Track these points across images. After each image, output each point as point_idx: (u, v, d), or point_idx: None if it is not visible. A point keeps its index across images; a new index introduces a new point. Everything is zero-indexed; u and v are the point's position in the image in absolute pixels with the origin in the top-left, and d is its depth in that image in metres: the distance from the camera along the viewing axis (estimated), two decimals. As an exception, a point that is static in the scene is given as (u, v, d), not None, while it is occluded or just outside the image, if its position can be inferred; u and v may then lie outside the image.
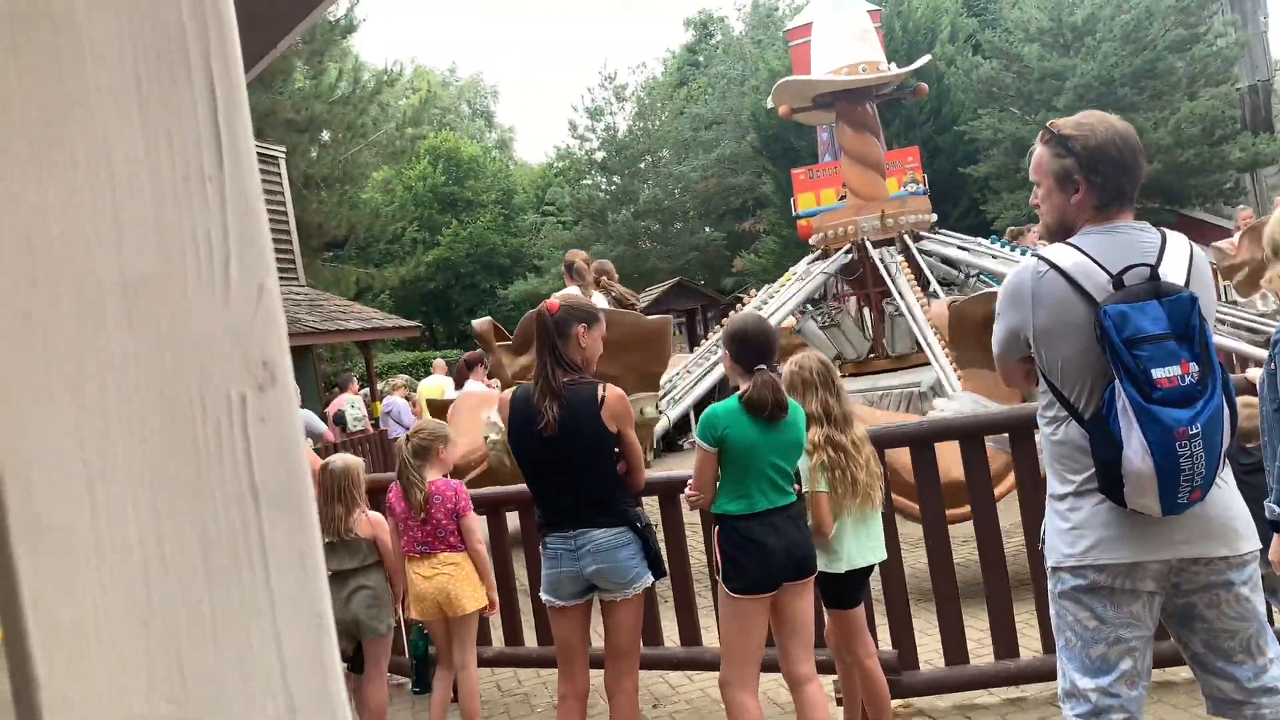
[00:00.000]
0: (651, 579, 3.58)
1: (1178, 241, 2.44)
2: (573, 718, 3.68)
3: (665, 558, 4.89)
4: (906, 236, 10.14)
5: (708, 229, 29.64)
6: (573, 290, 8.20)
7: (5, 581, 0.38)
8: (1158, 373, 2.24)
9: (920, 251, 10.11)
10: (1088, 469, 2.42)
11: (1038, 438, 3.65)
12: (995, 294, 2.76)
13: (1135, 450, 2.25)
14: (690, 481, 3.54)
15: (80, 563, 0.40)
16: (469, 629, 4.42)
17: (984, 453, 4.47)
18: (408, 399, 12.56)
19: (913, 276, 9.66)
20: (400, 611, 4.66)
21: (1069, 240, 2.45)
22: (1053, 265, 2.40)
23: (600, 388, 3.53)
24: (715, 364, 9.26)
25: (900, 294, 9.24)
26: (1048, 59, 20.85)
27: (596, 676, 3.98)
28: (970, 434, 4.42)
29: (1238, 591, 2.40)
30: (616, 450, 3.58)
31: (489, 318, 7.87)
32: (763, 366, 3.41)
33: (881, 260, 9.80)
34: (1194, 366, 2.26)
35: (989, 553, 4.30)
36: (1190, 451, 2.23)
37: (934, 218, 10.76)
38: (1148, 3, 20.38)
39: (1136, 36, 20.07)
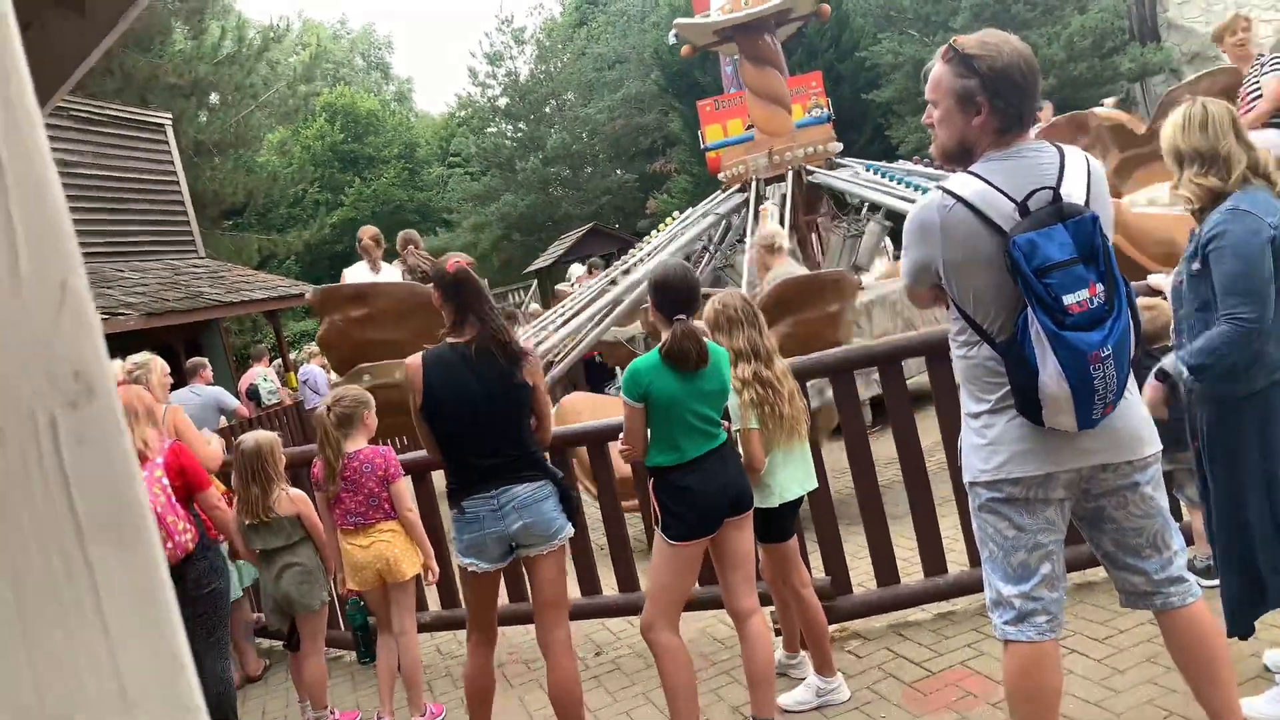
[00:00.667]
0: (571, 529, 3.58)
1: (1075, 158, 2.46)
2: (486, 658, 3.70)
3: (600, 508, 4.92)
4: (800, 170, 10.17)
5: (619, 171, 29.36)
6: (362, 265, 8.31)
7: None
8: (1068, 298, 2.28)
9: (811, 185, 10.15)
10: (999, 388, 2.47)
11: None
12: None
13: (1051, 375, 2.30)
14: (621, 436, 3.52)
15: None
16: (409, 595, 4.36)
17: (902, 375, 4.52)
18: (325, 365, 12.26)
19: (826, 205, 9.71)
20: (334, 586, 4.57)
21: (970, 169, 2.45)
22: (958, 198, 2.40)
23: (519, 342, 3.52)
24: (593, 316, 9.14)
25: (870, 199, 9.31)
26: (942, -21, 20.95)
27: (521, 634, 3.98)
28: (889, 359, 4.47)
29: (1143, 491, 2.51)
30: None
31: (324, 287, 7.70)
32: (682, 316, 3.39)
33: (777, 194, 9.84)
34: (1100, 287, 2.31)
35: (911, 473, 4.37)
36: (1103, 373, 2.30)
37: (838, 146, 10.79)
38: (1034, -82, 20.57)
39: (1026, -48, 20.28)
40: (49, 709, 0.36)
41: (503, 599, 4.51)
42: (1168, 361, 3.06)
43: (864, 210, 10.08)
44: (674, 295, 3.44)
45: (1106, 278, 2.32)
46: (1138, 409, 2.52)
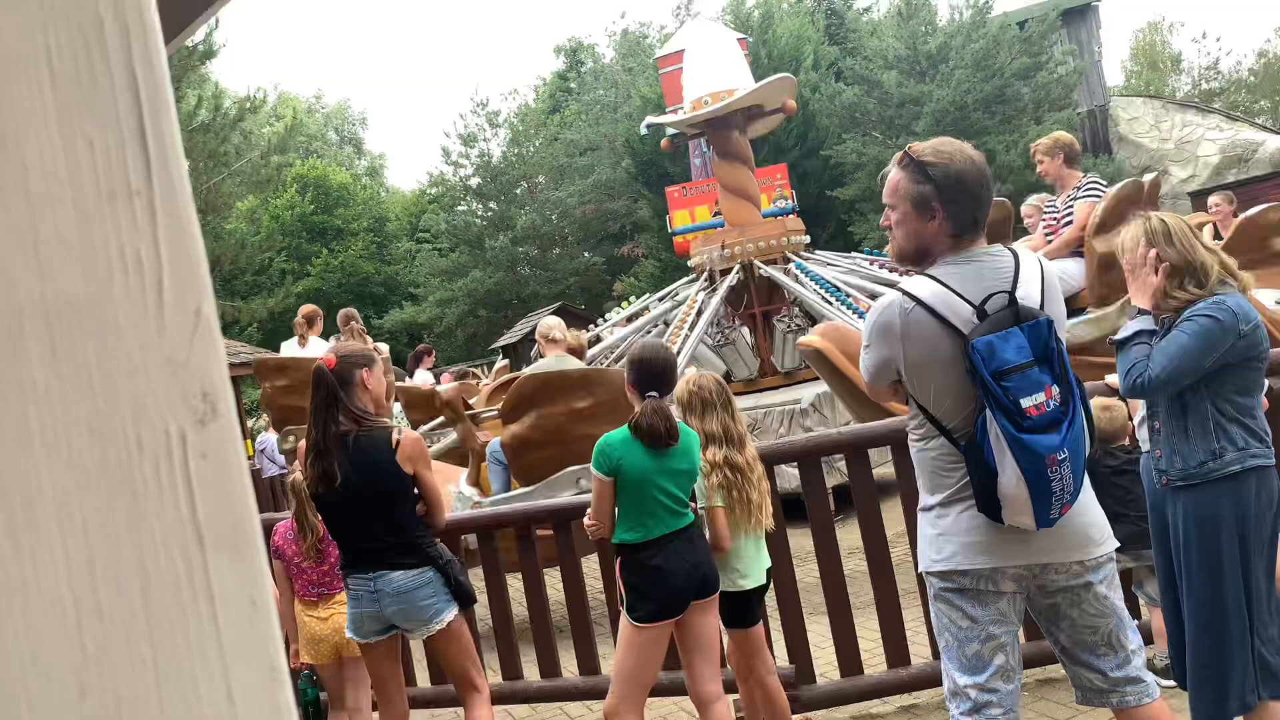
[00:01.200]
0: (455, 611, 3.66)
1: (1029, 261, 2.54)
2: None
3: (563, 587, 4.87)
4: (750, 264, 10.42)
5: (586, 254, 29.73)
6: (294, 341, 9.05)
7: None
8: (1026, 401, 2.34)
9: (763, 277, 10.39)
10: (953, 482, 2.53)
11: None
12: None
13: (1009, 477, 2.35)
14: (589, 511, 3.53)
15: (10, 621, 0.35)
16: (364, 670, 4.27)
17: (868, 464, 4.59)
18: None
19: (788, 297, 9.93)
20: (286, 658, 4.46)
21: (929, 272, 2.53)
22: (918, 301, 2.47)
23: (394, 432, 3.58)
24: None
25: (805, 301, 9.49)
26: (906, 85, 21.80)
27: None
28: (855, 446, 4.54)
29: (1096, 591, 2.54)
30: (416, 491, 3.69)
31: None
32: (654, 394, 3.44)
33: (785, 273, 10.07)
34: (1056, 389, 2.38)
35: (876, 562, 4.40)
36: (1060, 474, 2.35)
37: (806, 239, 11.07)
38: (994, 33, 21.59)
39: (986, 64, 21.21)
40: (166, 708, 0.38)
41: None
42: (1142, 462, 3.17)
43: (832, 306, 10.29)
44: (649, 372, 3.50)
45: (1061, 380, 2.40)
46: (1091, 510, 2.56)
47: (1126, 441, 4.00)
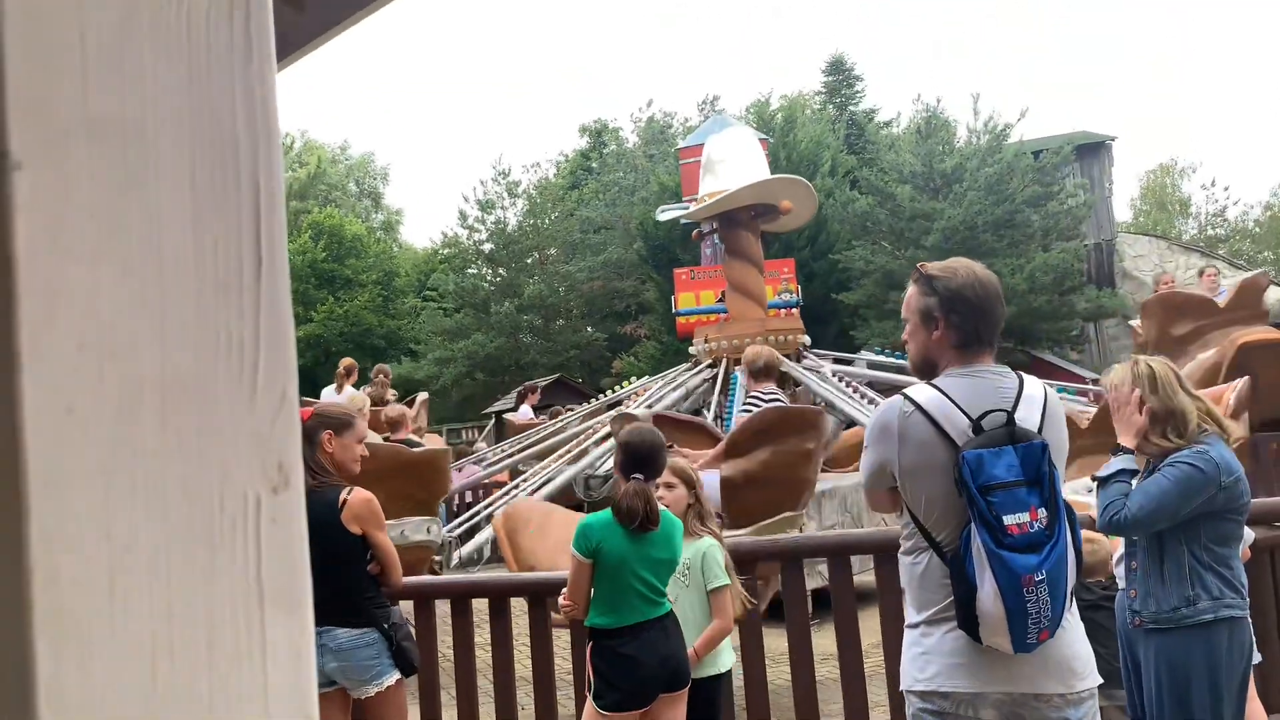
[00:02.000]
0: (397, 676, 3.71)
1: (1034, 386, 2.59)
2: None
3: (531, 666, 4.82)
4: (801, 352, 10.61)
5: (590, 329, 29.93)
6: (330, 389, 10.14)
7: (21, 669, 0.39)
8: (1008, 519, 2.36)
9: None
10: (941, 600, 2.52)
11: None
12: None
13: (987, 593, 2.36)
14: (564, 591, 3.54)
15: (95, 655, 0.41)
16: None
17: (849, 570, 4.60)
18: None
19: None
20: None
21: (933, 382, 2.59)
22: (917, 406, 2.52)
23: (344, 492, 3.64)
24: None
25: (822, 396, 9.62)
26: (918, 201, 22.28)
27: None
28: (838, 552, 4.56)
29: None
30: (370, 553, 3.74)
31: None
32: (639, 476, 3.46)
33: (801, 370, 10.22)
34: (1043, 513, 2.39)
35: (849, 672, 4.38)
36: (1036, 596, 2.35)
37: (807, 339, 11.24)
38: (1009, 159, 22.15)
39: (998, 189, 21.71)
40: (216, 743, 0.44)
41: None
42: (1117, 600, 3.20)
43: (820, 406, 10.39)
44: (633, 455, 3.51)
45: (1050, 504, 2.41)
46: (1076, 642, 2.55)
47: (1103, 578, 4.03)
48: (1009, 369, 2.65)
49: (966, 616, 2.43)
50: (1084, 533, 4.06)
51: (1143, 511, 2.98)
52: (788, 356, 10.62)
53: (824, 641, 5.43)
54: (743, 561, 4.23)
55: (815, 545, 4.72)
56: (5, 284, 0.39)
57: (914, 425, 2.51)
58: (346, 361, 10.62)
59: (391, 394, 11.40)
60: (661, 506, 3.51)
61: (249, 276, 0.47)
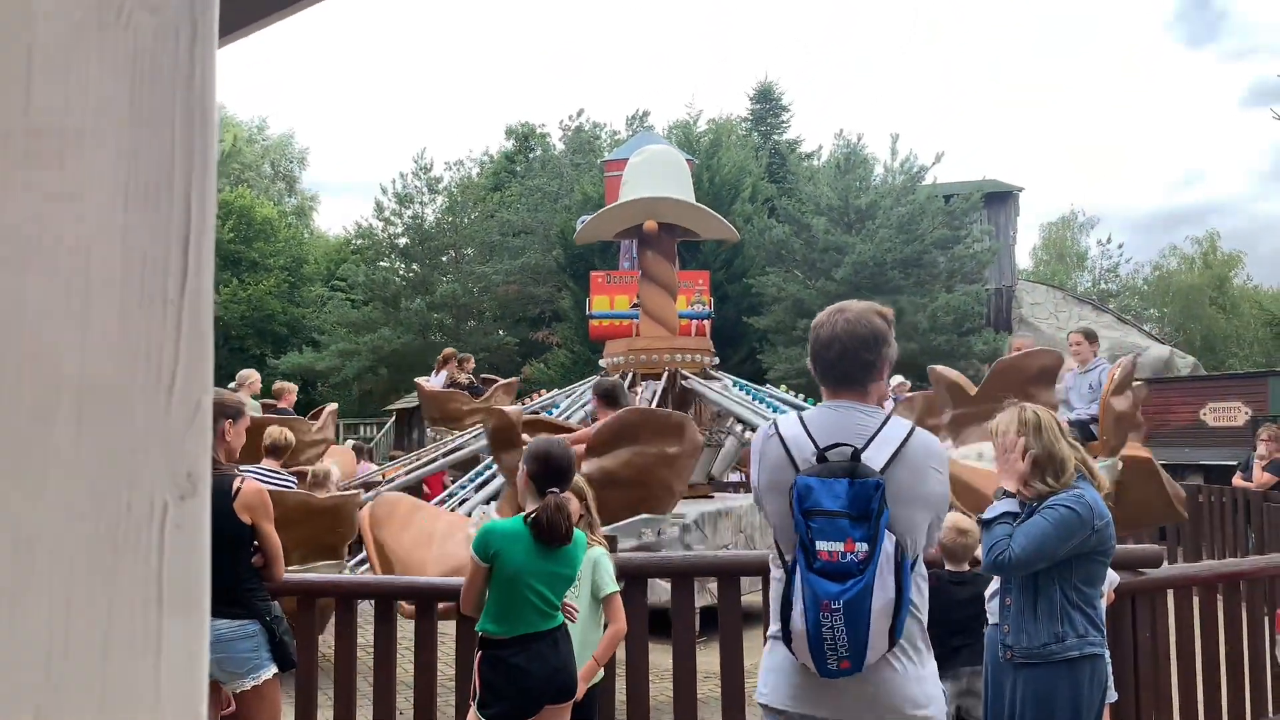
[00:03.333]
0: (274, 670, 3.70)
1: (897, 429, 2.62)
2: None
3: (413, 679, 4.77)
4: (676, 373, 10.69)
5: (501, 332, 29.69)
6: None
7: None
8: (820, 544, 2.46)
9: (683, 389, 10.66)
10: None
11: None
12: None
13: (797, 611, 2.48)
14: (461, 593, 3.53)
15: (-9, 648, 0.42)
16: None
17: (738, 592, 4.68)
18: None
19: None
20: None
21: (800, 413, 2.75)
22: (777, 432, 2.68)
23: (236, 480, 3.65)
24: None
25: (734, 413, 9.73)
26: (832, 233, 22.83)
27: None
28: (730, 572, 4.64)
29: None
30: (255, 544, 3.74)
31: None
32: (555, 490, 3.46)
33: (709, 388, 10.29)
34: (861, 546, 2.45)
35: (730, 691, 4.46)
36: (831, 624, 2.42)
37: (715, 360, 11.40)
38: (922, 200, 22.89)
39: (909, 228, 22.41)
40: (104, 739, 0.45)
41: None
42: (988, 634, 3.36)
43: (729, 423, 10.53)
44: (554, 469, 3.52)
45: (871, 540, 2.45)
46: (908, 686, 2.55)
47: (966, 567, 4.25)
48: (879, 410, 2.72)
49: (785, 631, 2.55)
50: (957, 520, 4.29)
51: (1025, 553, 3.16)
52: (705, 376, 10.74)
53: (709, 659, 5.51)
54: (633, 577, 4.28)
55: (707, 565, 4.80)
56: (-68, 285, 0.40)
57: (771, 448, 2.67)
58: (447, 351, 12.71)
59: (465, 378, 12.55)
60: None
61: (174, 291, 0.49)
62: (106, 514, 0.46)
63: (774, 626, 2.66)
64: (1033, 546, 3.17)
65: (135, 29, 0.47)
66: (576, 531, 3.52)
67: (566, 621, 3.56)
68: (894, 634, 2.48)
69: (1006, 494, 3.34)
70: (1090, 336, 8.58)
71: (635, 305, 12.14)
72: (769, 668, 2.66)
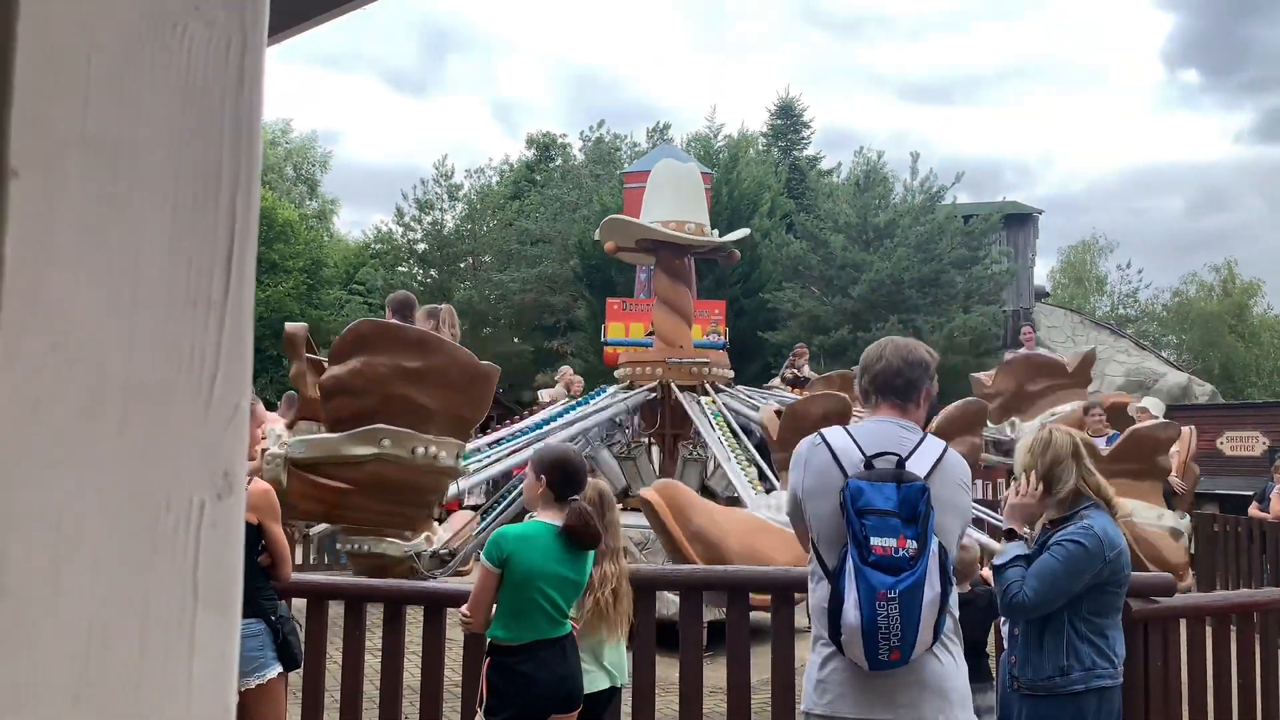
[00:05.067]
0: (279, 670, 3.71)
1: (935, 445, 2.87)
2: None
3: (420, 674, 4.77)
4: (669, 384, 10.68)
5: (516, 340, 29.75)
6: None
7: (-38, 644, 0.41)
8: (875, 540, 2.63)
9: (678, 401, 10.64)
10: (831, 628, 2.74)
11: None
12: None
13: (850, 603, 2.62)
14: (468, 602, 3.52)
15: (32, 634, 0.43)
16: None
17: (748, 606, 4.68)
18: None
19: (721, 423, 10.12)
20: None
21: (845, 426, 2.96)
22: (825, 440, 2.86)
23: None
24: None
25: (705, 434, 9.68)
26: (850, 250, 22.81)
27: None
28: (739, 587, 4.63)
29: None
30: (263, 543, 3.72)
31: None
32: (576, 498, 3.49)
33: (696, 403, 10.25)
34: (911, 544, 2.64)
35: (736, 708, 4.45)
36: (887, 612, 2.59)
37: (730, 373, 11.39)
38: (941, 220, 22.85)
39: (927, 247, 22.37)
40: (137, 729, 0.46)
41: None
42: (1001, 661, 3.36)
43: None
44: (574, 477, 3.57)
45: (920, 539, 2.65)
46: (955, 676, 2.77)
47: (968, 587, 4.19)
48: (918, 427, 2.93)
49: (834, 628, 2.67)
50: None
51: (1038, 595, 3.17)
52: (691, 388, 10.72)
53: (715, 674, 5.49)
54: (641, 589, 4.27)
55: (717, 578, 4.79)
56: (-10, 283, 0.42)
57: (818, 455, 2.85)
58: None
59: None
60: None
61: (217, 295, 0.51)
62: (146, 510, 0.48)
63: (820, 633, 2.78)
64: (1045, 588, 3.18)
65: (189, 42, 0.49)
66: None
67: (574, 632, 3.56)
68: (938, 628, 2.67)
69: (1013, 535, 3.39)
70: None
71: (650, 333, 12.17)
72: (820, 680, 2.76)
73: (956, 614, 2.83)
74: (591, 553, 3.59)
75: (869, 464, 2.75)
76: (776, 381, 14.10)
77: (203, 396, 0.50)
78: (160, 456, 0.48)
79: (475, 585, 3.45)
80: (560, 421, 10.73)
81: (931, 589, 2.65)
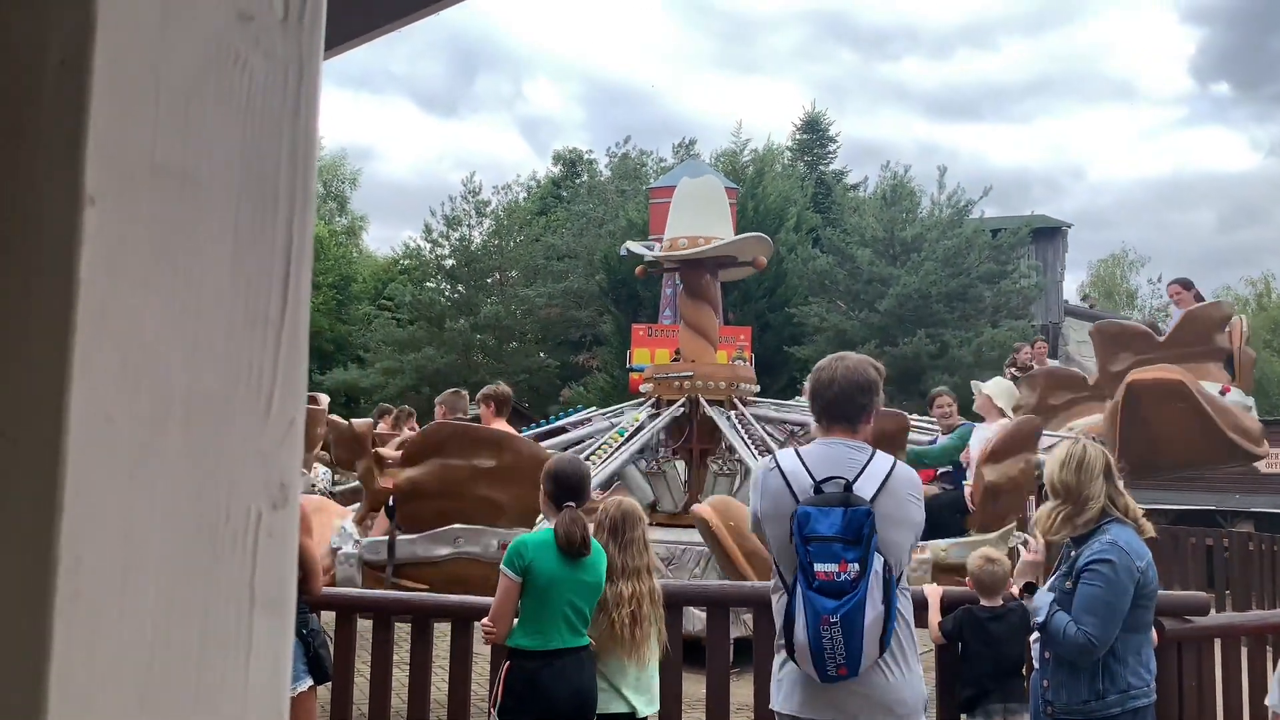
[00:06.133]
0: (309, 683, 3.76)
1: (881, 463, 2.98)
2: None
3: (448, 686, 4.80)
4: (697, 398, 10.68)
5: (542, 354, 29.90)
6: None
7: (39, 644, 0.44)
8: (818, 566, 2.77)
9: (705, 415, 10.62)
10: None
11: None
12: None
13: (800, 625, 2.78)
14: (489, 612, 3.57)
15: (103, 638, 0.46)
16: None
17: (773, 624, 4.66)
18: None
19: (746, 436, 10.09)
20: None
21: (797, 448, 3.13)
22: (778, 465, 3.00)
23: None
24: None
25: (739, 448, 9.67)
26: (877, 265, 22.73)
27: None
28: (765, 602, 4.62)
29: None
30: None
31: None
32: (571, 504, 3.56)
33: (726, 417, 10.26)
34: (853, 567, 2.77)
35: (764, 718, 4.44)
36: (830, 635, 2.74)
37: (756, 388, 11.39)
38: (969, 234, 22.72)
39: (955, 262, 22.25)
40: (198, 728, 0.48)
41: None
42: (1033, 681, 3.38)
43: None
44: (566, 485, 3.63)
45: (862, 561, 2.78)
46: (903, 689, 2.90)
47: (1000, 601, 4.12)
48: (867, 445, 3.06)
49: (788, 642, 2.84)
50: (986, 551, 4.26)
51: (1101, 629, 3.17)
52: (719, 403, 10.71)
53: (743, 691, 5.47)
54: (668, 605, 4.26)
55: (743, 595, 4.78)
56: (66, 305, 0.44)
57: (772, 480, 2.98)
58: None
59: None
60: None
61: (275, 313, 0.53)
62: (207, 518, 0.50)
63: (779, 644, 2.95)
64: (1102, 619, 3.18)
65: (250, 73, 0.52)
66: (594, 542, 3.60)
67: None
68: (884, 642, 2.82)
69: (1031, 588, 3.45)
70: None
71: (675, 359, 12.21)
72: (778, 679, 2.98)
73: (912, 623, 3.00)
74: (603, 555, 3.63)
75: (818, 488, 2.87)
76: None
77: (260, 411, 0.53)
78: (221, 468, 0.51)
79: (497, 595, 3.49)
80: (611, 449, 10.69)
81: (874, 609, 2.78)
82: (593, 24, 78.78)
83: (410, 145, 75.71)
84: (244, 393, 0.52)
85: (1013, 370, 13.76)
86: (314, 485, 10.36)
